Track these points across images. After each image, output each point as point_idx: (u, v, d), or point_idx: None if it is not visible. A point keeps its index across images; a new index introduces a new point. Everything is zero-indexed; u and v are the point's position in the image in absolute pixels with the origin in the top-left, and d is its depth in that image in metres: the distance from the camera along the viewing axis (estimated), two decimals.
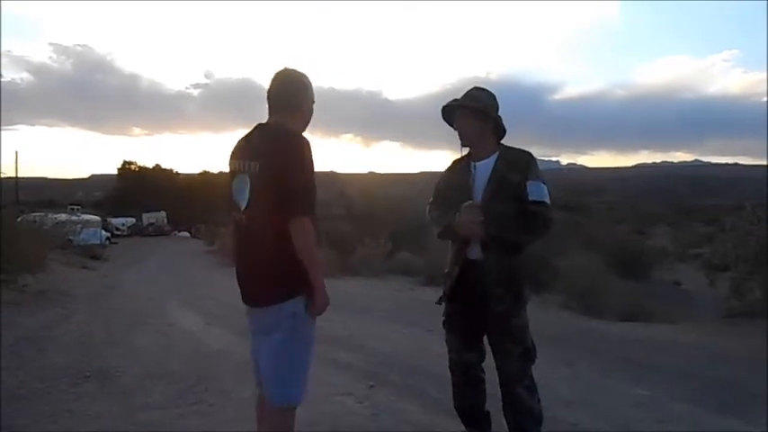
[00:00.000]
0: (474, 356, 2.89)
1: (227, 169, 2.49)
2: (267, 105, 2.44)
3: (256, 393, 2.54)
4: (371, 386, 4.30)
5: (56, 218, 18.45)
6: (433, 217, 2.97)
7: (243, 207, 2.31)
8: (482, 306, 2.73)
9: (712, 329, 6.92)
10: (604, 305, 9.57)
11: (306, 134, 2.44)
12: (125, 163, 59.01)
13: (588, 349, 5.82)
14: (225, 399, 4.03)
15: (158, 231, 45.54)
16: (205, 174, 58.44)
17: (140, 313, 8.17)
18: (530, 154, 2.81)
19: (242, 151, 2.38)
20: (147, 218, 47.30)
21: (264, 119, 2.44)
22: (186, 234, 43.60)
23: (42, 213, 17.27)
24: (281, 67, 2.48)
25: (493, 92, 2.87)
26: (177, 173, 61.76)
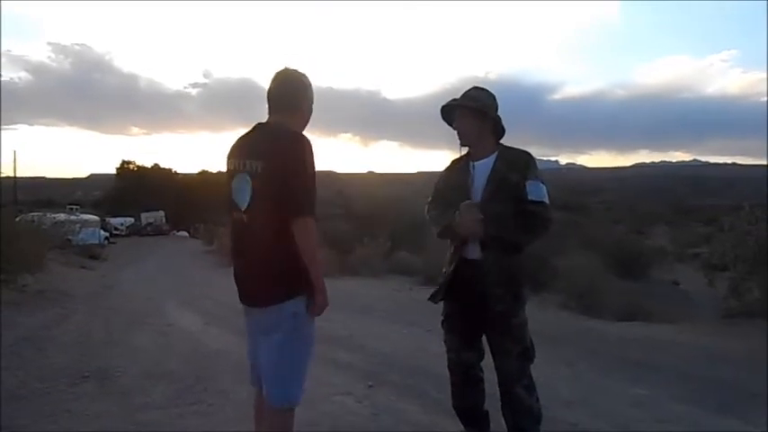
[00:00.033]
0: (473, 356, 2.90)
1: (224, 168, 2.48)
2: (267, 105, 2.44)
3: (254, 393, 2.54)
4: (371, 386, 4.30)
5: (54, 217, 18.42)
6: (432, 216, 2.97)
7: (244, 207, 2.30)
8: (481, 306, 2.73)
9: (711, 329, 6.92)
10: (603, 305, 9.57)
11: (305, 134, 2.44)
12: (124, 162, 58.98)
13: (587, 349, 5.82)
14: (224, 398, 4.03)
15: (157, 231, 45.48)
16: (204, 173, 58.35)
17: (139, 313, 8.17)
18: (529, 154, 2.81)
19: (242, 150, 2.37)
20: (146, 217, 47.24)
21: (264, 118, 2.44)
22: (185, 234, 43.56)
23: (41, 213, 17.24)
24: (282, 67, 2.47)
25: (492, 92, 2.88)
26: (176, 172, 61.73)
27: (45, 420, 3.62)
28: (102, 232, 30.41)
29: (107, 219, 41.23)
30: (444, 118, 2.95)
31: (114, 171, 59.72)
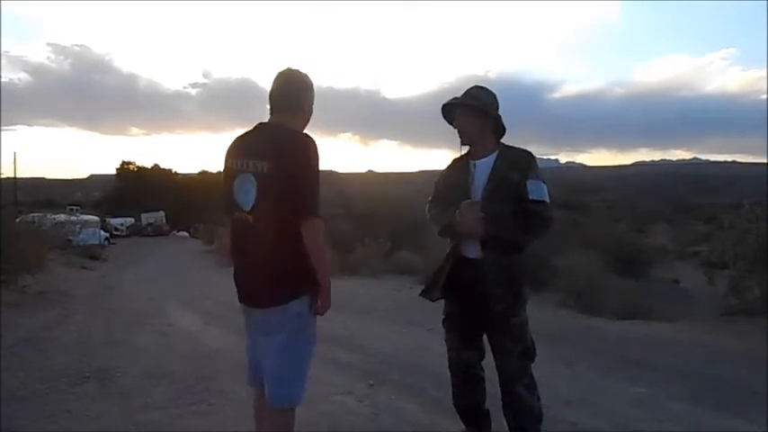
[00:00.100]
0: (473, 355, 2.90)
1: (223, 168, 2.46)
2: (269, 105, 2.43)
3: (253, 393, 2.54)
4: (371, 385, 4.30)
5: (55, 218, 18.43)
6: (432, 215, 2.97)
7: (248, 207, 2.28)
8: (482, 305, 2.73)
9: (711, 328, 6.92)
10: (603, 303, 9.56)
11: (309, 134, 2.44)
12: (124, 163, 58.99)
13: (587, 348, 5.82)
14: (224, 398, 4.03)
15: (157, 231, 45.47)
16: (204, 173, 58.35)
17: (139, 313, 8.17)
18: (530, 153, 2.81)
19: (244, 150, 2.35)
20: (146, 218, 47.24)
21: (263, 118, 2.44)
22: (185, 234, 43.56)
23: (41, 214, 17.26)
24: (284, 67, 2.47)
25: (493, 91, 2.88)
26: (176, 173, 61.76)
27: (45, 421, 3.62)
28: (102, 233, 30.44)
29: (107, 219, 41.25)
30: (445, 117, 2.95)
31: (114, 171, 59.77)
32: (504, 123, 2.87)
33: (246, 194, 2.29)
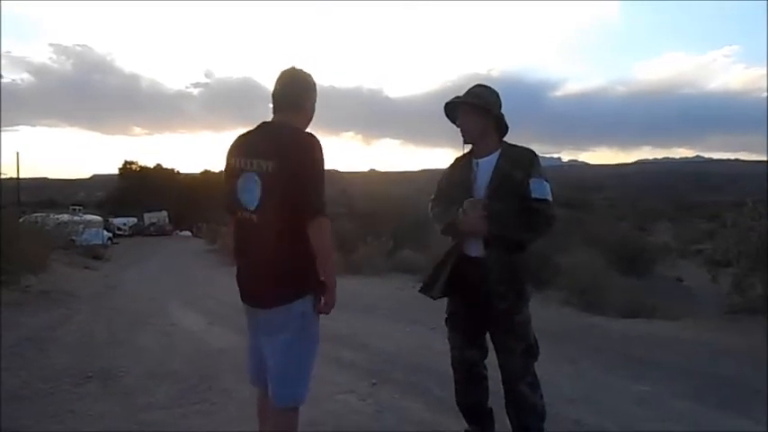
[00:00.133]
0: (476, 354, 2.89)
1: (225, 167, 2.45)
2: (272, 104, 2.43)
3: (256, 392, 2.54)
4: (374, 384, 4.30)
5: (58, 218, 18.49)
6: (435, 214, 2.97)
7: (253, 206, 2.27)
8: (485, 304, 2.73)
9: (714, 326, 6.91)
10: (606, 302, 9.54)
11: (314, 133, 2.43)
12: (126, 163, 59.17)
13: (590, 346, 5.81)
14: (227, 398, 4.04)
15: (160, 231, 45.58)
16: (206, 173, 58.46)
17: (142, 313, 8.18)
18: (533, 152, 2.80)
19: (248, 149, 2.34)
20: (149, 217, 47.35)
21: (264, 117, 2.43)
22: (188, 233, 43.63)
23: (44, 214, 17.30)
24: (288, 67, 2.46)
25: (495, 89, 2.87)
26: (178, 172, 61.92)
27: (48, 421, 3.63)
28: (105, 233, 30.54)
29: (110, 219, 41.36)
30: (448, 115, 2.95)
31: (117, 171, 59.94)
32: (507, 122, 2.87)
33: (250, 194, 2.27)
